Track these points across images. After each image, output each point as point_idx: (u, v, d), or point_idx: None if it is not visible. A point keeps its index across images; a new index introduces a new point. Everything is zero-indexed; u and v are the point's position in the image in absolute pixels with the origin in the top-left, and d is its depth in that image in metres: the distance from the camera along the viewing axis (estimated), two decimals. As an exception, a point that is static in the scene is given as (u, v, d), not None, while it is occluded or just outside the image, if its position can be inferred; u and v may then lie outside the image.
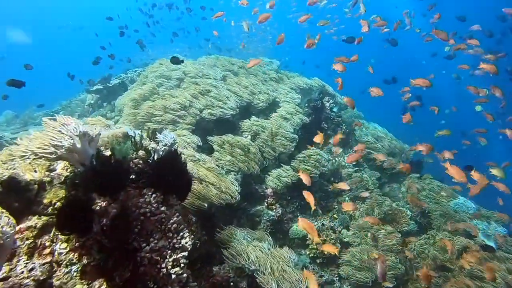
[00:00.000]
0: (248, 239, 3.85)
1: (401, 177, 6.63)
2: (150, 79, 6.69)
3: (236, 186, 4.28)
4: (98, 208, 2.05)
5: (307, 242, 4.86)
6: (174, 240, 2.45)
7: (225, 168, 5.08)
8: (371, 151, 6.52)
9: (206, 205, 3.77)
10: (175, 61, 5.36)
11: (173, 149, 2.68)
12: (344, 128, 6.55)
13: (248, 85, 6.25)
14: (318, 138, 5.03)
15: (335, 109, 6.79)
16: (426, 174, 6.40)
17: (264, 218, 5.04)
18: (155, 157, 2.57)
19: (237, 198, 4.06)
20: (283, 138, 5.43)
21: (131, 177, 2.44)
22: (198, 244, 3.77)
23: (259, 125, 5.61)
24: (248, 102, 6.05)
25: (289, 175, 5.11)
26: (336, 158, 5.98)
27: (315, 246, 4.70)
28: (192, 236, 2.57)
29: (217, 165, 5.08)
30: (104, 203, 2.09)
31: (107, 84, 8.09)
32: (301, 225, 3.56)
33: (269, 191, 5.15)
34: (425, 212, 5.43)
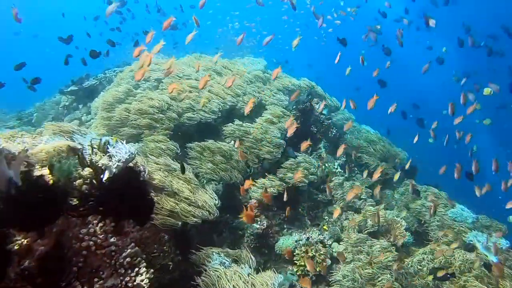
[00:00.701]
0: (226, 262, 3.41)
1: (394, 183, 6.27)
2: (127, 80, 6.21)
3: (215, 200, 3.84)
4: (17, 247, 1.61)
5: (294, 259, 4.44)
6: (127, 278, 2.01)
7: (205, 177, 4.65)
8: (364, 155, 6.15)
9: (179, 223, 3.33)
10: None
11: (129, 166, 2.24)
12: (334, 131, 6.16)
13: (231, 86, 5.82)
14: (304, 146, 4.65)
15: (325, 111, 6.40)
16: (424, 187, 6.00)
17: (248, 231, 4.61)
18: (106, 176, 2.13)
19: (215, 214, 3.63)
20: (269, 144, 5.01)
21: (73, 202, 2.00)
22: (171, 266, 3.35)
23: (243, 130, 5.19)
24: (232, 104, 5.62)
25: (275, 185, 4.69)
26: (326, 164, 5.59)
27: (303, 263, 4.29)
28: (151, 271, 2.13)
29: (197, 174, 4.65)
30: (27, 239, 1.64)
31: (82, 84, 7.57)
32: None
33: (253, 201, 4.73)
34: (422, 222, 5.07)
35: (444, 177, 5.41)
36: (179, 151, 4.76)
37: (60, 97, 7.95)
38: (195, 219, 3.40)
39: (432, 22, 6.13)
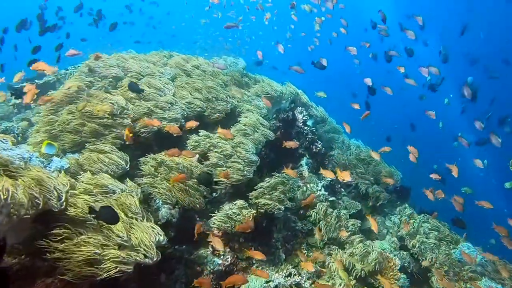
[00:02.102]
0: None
1: (387, 207, 5.49)
2: (80, 78, 5.28)
3: (160, 236, 2.96)
4: None
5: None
6: None
7: (158, 201, 3.77)
8: (353, 175, 5.35)
9: (102, 273, 2.44)
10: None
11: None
12: (319, 146, 5.35)
13: (201, 89, 4.96)
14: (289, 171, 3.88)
15: (309, 123, 5.59)
16: (422, 217, 5.18)
17: (208, 267, 3.74)
18: None
19: (154, 258, 2.74)
20: (240, 161, 4.16)
21: None
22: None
23: (209, 142, 4.33)
24: (200, 110, 4.76)
25: (244, 213, 3.83)
26: (308, 185, 4.76)
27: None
28: None
29: (149, 195, 3.77)
30: None
31: (37, 81, 6.61)
32: None
33: (216, 231, 3.87)
34: (419, 260, 4.28)
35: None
36: (127, 167, 3.86)
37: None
38: (124, 267, 2.51)
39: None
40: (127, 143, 4.07)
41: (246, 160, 4.11)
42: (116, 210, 2.61)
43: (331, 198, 4.81)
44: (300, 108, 5.44)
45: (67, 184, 2.85)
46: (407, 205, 5.51)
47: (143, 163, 4.01)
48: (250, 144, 4.31)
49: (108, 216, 2.44)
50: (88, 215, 2.64)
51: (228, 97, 5.07)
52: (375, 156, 5.11)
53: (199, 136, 4.38)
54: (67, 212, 2.63)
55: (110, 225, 2.66)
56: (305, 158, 5.16)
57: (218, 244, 3.50)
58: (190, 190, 3.81)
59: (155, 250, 2.72)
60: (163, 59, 5.86)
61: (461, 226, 4.74)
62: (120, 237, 2.64)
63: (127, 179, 3.64)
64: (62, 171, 3.44)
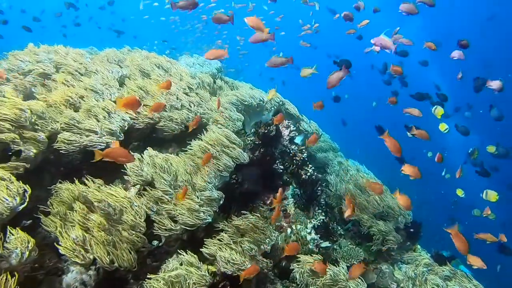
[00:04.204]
0: None
1: (394, 252, 4.28)
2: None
3: None
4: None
5: None
6: None
7: (65, 258, 2.50)
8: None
9: None
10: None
11: None
12: (310, 171, 4.13)
13: (155, 94, 3.74)
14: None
15: (298, 140, 4.39)
16: (449, 270, 3.93)
17: None
18: None
19: None
20: (195, 197, 2.92)
21: None
22: None
23: (157, 167, 3.08)
24: (150, 122, 3.52)
25: (199, 276, 2.58)
26: (294, 227, 3.54)
27: None
28: None
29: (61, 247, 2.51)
30: None
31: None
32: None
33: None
34: None
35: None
36: (24, 203, 2.59)
37: None
38: None
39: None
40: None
41: (203, 198, 2.88)
42: None
43: (324, 244, 3.58)
44: (287, 121, 4.24)
45: None
46: (419, 248, 4.32)
47: (53, 197, 2.75)
48: (212, 173, 3.08)
49: None
50: None
51: (192, 105, 3.85)
52: (377, 188, 3.92)
53: (144, 156, 3.14)
54: None
55: None
56: (291, 187, 3.95)
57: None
58: (118, 241, 2.56)
59: None
60: (119, 56, 4.63)
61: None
62: None
63: (17, 229, 2.37)
64: None
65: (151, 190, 2.93)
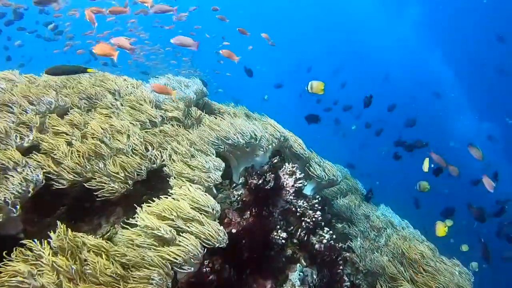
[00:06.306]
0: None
1: None
2: None
3: None
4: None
5: None
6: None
7: None
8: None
9: None
10: None
11: None
12: (327, 237, 2.80)
13: (97, 134, 2.52)
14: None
15: (307, 191, 3.09)
16: None
17: None
18: None
19: None
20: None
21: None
22: None
23: (77, 254, 1.81)
24: (80, 176, 2.29)
25: None
26: None
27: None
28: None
29: None
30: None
31: None
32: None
33: None
34: None
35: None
36: None
37: None
38: None
39: None
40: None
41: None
42: None
43: None
44: (291, 166, 2.94)
45: None
46: None
47: None
48: (166, 262, 1.78)
49: None
50: None
51: (151, 147, 2.62)
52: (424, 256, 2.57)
53: (55, 237, 1.87)
54: None
55: None
56: (298, 266, 2.61)
57: None
58: None
59: None
60: (65, 82, 3.46)
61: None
62: None
63: None
64: None
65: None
